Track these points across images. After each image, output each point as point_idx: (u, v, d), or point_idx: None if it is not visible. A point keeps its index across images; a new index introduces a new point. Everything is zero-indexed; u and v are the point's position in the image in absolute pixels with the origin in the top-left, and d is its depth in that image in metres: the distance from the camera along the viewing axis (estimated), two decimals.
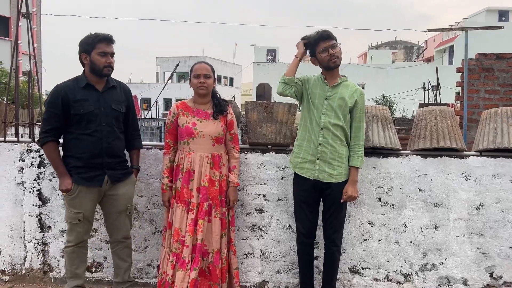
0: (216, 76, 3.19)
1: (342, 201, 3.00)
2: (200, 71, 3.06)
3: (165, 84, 9.17)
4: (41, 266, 3.56)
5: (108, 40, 2.94)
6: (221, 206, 3.07)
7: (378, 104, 23.47)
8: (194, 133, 3.03)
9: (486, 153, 3.40)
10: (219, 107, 3.11)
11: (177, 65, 9.59)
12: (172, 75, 11.44)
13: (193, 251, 2.98)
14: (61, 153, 3.01)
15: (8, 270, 3.56)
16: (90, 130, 2.92)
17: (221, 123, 3.08)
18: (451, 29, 7.04)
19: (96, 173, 2.96)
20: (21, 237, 3.55)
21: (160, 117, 18.07)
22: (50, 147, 2.95)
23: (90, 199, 2.97)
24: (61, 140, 3.04)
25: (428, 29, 6.48)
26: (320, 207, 3.15)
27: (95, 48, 2.91)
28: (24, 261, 3.55)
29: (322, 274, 3.23)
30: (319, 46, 2.97)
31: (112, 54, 2.97)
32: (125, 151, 3.18)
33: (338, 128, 2.99)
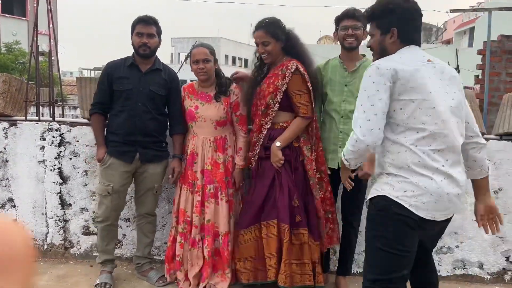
0: (216, 57, 3.11)
1: (359, 176, 2.89)
2: (198, 56, 3.00)
3: (181, 66, 9.14)
4: (62, 242, 3.66)
5: (144, 21, 3.04)
6: (228, 187, 3.07)
7: None
8: (196, 116, 3.05)
9: (506, 137, 3.35)
10: (220, 87, 3.07)
11: (193, 46, 9.52)
12: (188, 56, 11.38)
13: (201, 231, 3.06)
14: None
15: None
16: (127, 108, 3.03)
17: (223, 106, 3.04)
18: (474, 10, 6.87)
19: (128, 149, 3.06)
20: (42, 214, 3.64)
21: None
22: (94, 119, 3.13)
23: (120, 173, 3.07)
24: None
25: (450, 10, 6.34)
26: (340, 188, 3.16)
27: (134, 29, 3.06)
28: (46, 237, 3.66)
29: (338, 255, 3.26)
30: (342, 22, 2.93)
31: (150, 34, 3.04)
32: (166, 134, 3.23)
33: None
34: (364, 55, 3.03)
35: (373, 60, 2.14)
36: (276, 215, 2.88)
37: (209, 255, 3.03)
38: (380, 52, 2.14)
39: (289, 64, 2.87)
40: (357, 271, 3.46)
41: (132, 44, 3.07)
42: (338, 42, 3.06)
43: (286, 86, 2.87)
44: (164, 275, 3.23)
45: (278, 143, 2.88)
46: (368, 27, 2.24)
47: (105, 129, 3.16)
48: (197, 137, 3.07)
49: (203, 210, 3.04)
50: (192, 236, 3.05)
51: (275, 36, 2.88)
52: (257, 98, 3.01)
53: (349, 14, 2.90)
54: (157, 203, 3.35)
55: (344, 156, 2.04)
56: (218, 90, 3.06)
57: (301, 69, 2.87)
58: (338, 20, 2.96)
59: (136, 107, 3.03)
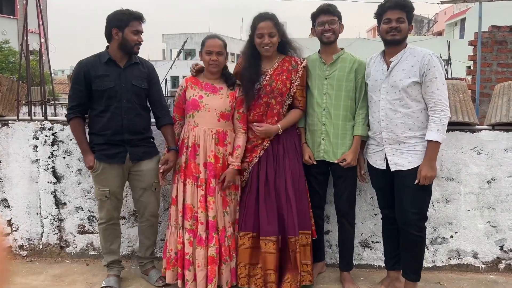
0: (227, 51, 3.08)
1: (342, 165, 2.96)
2: (213, 48, 2.96)
3: (173, 62, 9.11)
4: (58, 241, 3.64)
5: (140, 19, 2.97)
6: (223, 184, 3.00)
7: None
8: (199, 106, 2.98)
9: (498, 127, 3.38)
10: (228, 79, 3.03)
11: (185, 42, 9.49)
12: (180, 52, 11.34)
13: (206, 228, 2.97)
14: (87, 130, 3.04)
15: (26, 245, 3.65)
16: (111, 107, 2.93)
17: (229, 99, 3.00)
18: (464, 1, 6.88)
19: (117, 150, 2.97)
20: (37, 214, 3.62)
21: (168, 95, 18.01)
22: (74, 124, 2.99)
23: (114, 176, 3.01)
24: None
25: (441, 1, 6.34)
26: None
27: (129, 25, 2.91)
28: (41, 236, 3.64)
29: (333, 248, 3.26)
30: (318, 19, 2.95)
31: (142, 32, 3.00)
32: (151, 129, 3.17)
33: (341, 106, 2.95)
34: (342, 48, 3.04)
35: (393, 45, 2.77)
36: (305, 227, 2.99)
37: (217, 252, 2.94)
38: (404, 39, 2.73)
39: (297, 60, 3.02)
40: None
41: (125, 40, 2.91)
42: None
43: (299, 81, 2.98)
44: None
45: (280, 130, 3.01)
46: (394, 13, 2.68)
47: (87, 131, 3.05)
48: (198, 127, 2.98)
49: (206, 206, 2.95)
50: (198, 233, 2.95)
51: (279, 29, 2.95)
52: (268, 96, 2.99)
53: (324, 10, 2.93)
54: (159, 202, 3.26)
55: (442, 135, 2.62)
56: (228, 81, 3.03)
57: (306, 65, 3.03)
58: (314, 16, 2.99)
59: (121, 105, 2.94)
